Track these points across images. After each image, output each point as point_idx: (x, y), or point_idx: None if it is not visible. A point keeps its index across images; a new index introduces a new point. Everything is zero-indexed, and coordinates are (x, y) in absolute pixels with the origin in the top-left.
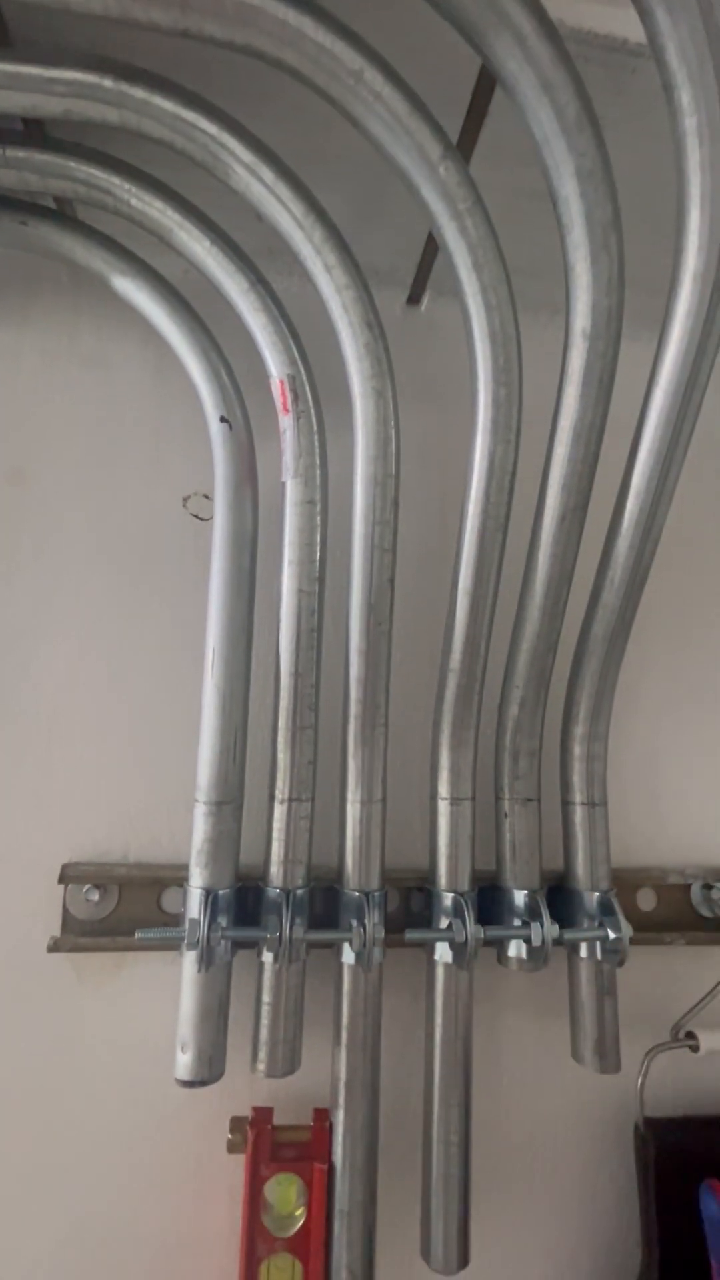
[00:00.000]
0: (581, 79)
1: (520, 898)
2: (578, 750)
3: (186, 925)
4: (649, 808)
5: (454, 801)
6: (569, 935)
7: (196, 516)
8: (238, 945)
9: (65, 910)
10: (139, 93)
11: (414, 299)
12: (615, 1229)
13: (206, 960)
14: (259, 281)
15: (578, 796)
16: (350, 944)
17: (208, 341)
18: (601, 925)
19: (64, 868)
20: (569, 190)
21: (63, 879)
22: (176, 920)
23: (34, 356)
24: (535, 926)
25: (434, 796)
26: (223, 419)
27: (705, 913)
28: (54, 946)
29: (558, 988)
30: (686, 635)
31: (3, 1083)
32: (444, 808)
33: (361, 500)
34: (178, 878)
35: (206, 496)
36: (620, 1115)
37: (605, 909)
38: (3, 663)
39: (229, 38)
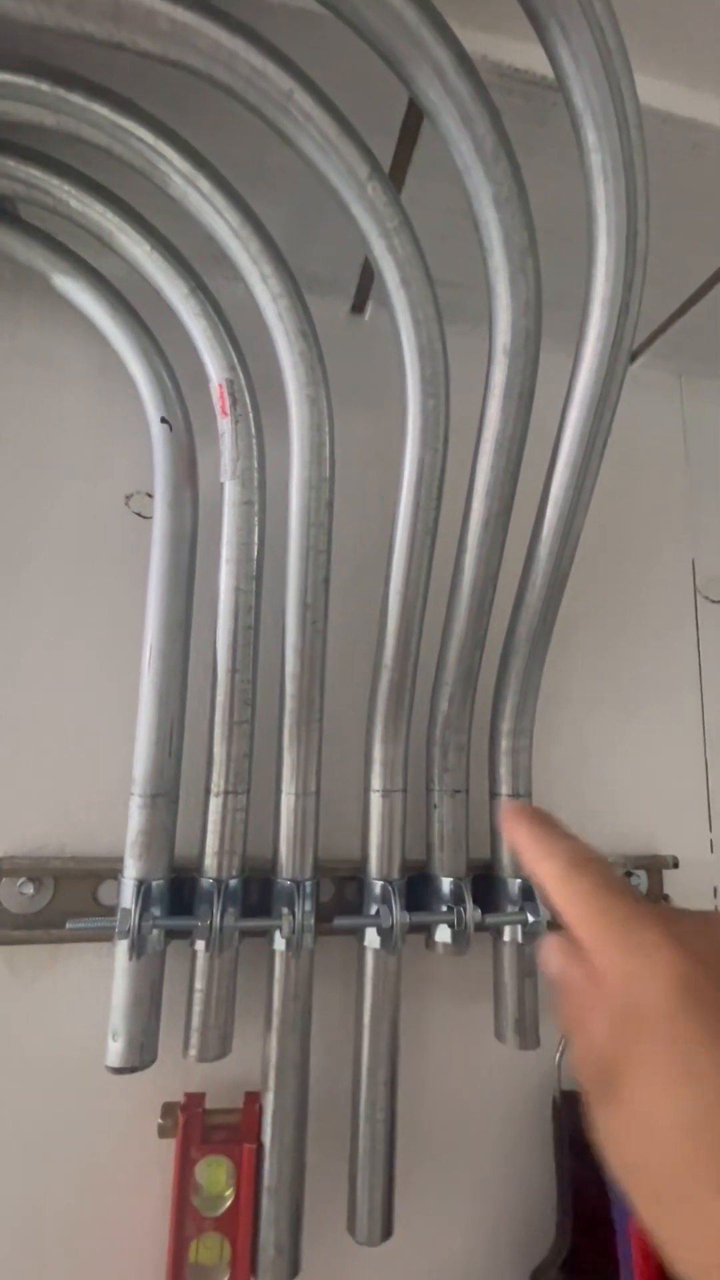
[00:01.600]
0: (499, 112)
1: (447, 885)
2: (504, 744)
3: (119, 915)
4: (576, 799)
5: (385, 794)
6: (491, 919)
7: (139, 515)
8: (171, 935)
9: None
10: (76, 98)
11: (357, 308)
12: (536, 1199)
13: (138, 949)
14: (199, 287)
15: (504, 788)
16: (280, 931)
17: (149, 343)
18: (523, 909)
19: None
20: (488, 216)
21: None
22: (113, 913)
23: None
24: (459, 911)
25: (367, 789)
26: (163, 420)
27: None
28: None
29: (482, 972)
30: (608, 638)
31: None
32: (376, 799)
33: (297, 502)
34: (115, 870)
35: (150, 495)
36: (540, 1091)
37: (526, 894)
38: None
39: (163, 53)
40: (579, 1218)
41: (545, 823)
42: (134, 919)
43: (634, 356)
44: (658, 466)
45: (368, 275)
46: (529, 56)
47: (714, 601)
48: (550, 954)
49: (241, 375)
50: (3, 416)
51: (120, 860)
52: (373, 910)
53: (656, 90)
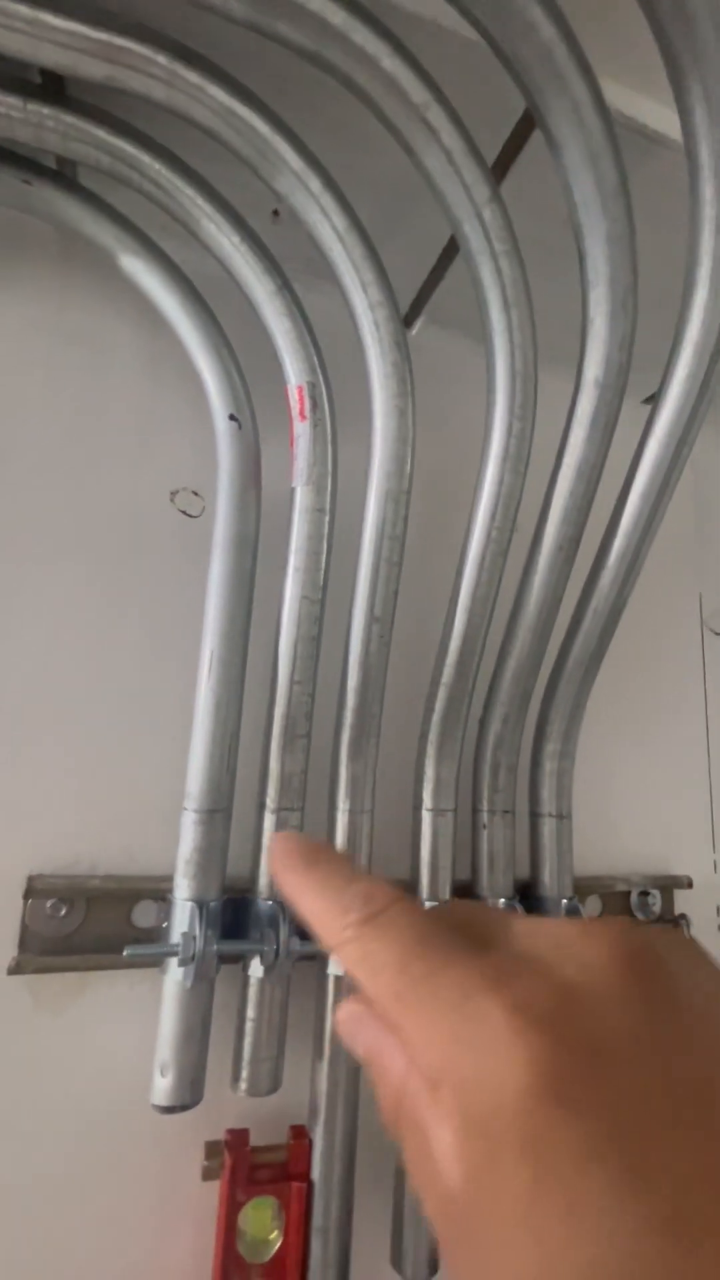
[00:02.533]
0: (621, 151)
1: (500, 905)
2: (549, 766)
3: (178, 938)
4: (601, 820)
5: (438, 812)
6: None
7: (185, 513)
8: (224, 959)
9: (25, 927)
10: (193, 76)
11: (407, 322)
12: None
13: (197, 976)
14: (285, 286)
15: (547, 809)
16: None
17: (219, 337)
18: None
19: (29, 880)
20: (598, 251)
21: (28, 893)
22: (150, 935)
23: (15, 325)
24: None
25: (418, 807)
26: (232, 417)
27: (640, 916)
28: (15, 967)
29: None
30: (622, 667)
31: None
32: (428, 818)
33: (374, 513)
34: (151, 890)
35: (196, 493)
36: None
37: (572, 914)
38: None
39: (301, 42)
40: None
41: (322, 860)
42: (197, 944)
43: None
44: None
45: (424, 293)
46: (635, 105)
47: (718, 634)
48: (354, 1032)
49: (322, 379)
50: (47, 395)
51: (159, 880)
52: None
53: None
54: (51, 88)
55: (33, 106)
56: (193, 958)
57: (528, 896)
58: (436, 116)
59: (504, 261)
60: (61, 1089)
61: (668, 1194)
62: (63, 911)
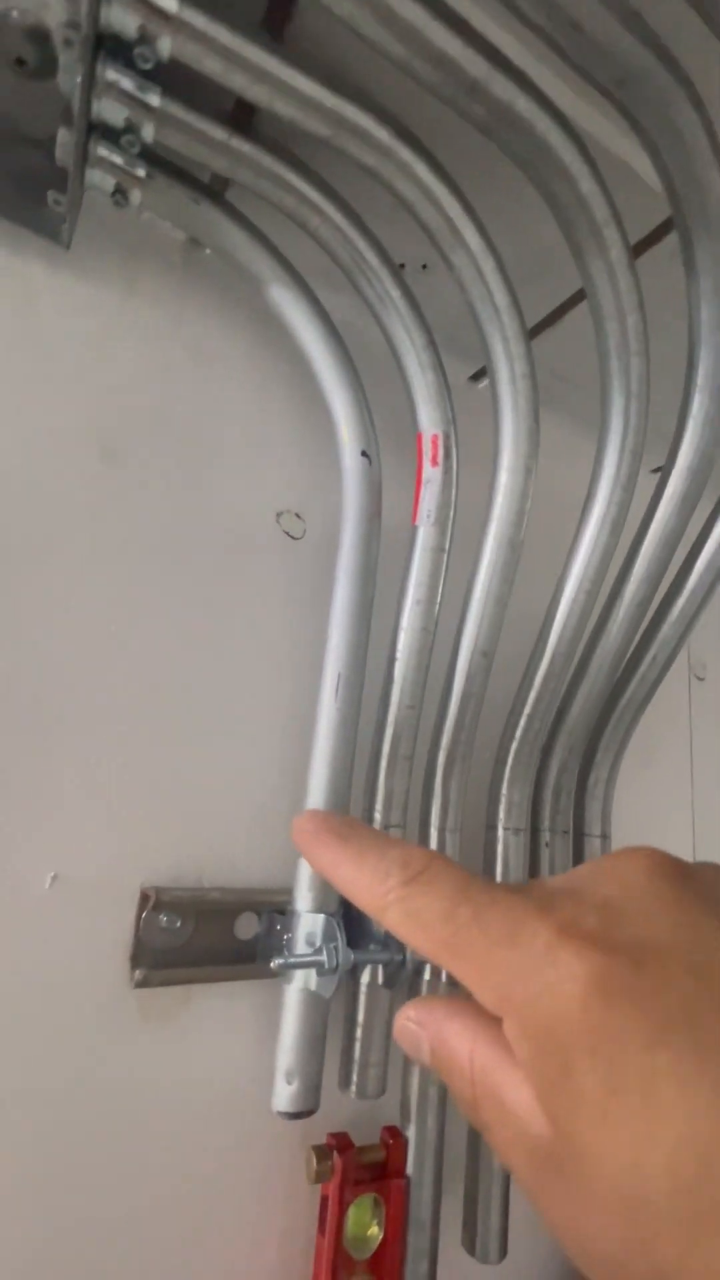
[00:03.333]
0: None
1: None
2: (599, 791)
3: (325, 950)
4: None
5: (512, 831)
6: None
7: (288, 534)
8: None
9: (138, 940)
10: (405, 154)
11: (476, 378)
12: None
13: (335, 985)
14: (431, 342)
15: (596, 829)
16: None
17: (355, 377)
18: None
19: (143, 893)
20: (710, 366)
21: (141, 907)
22: (250, 947)
23: (137, 330)
24: None
25: (492, 826)
26: (364, 453)
27: None
28: (143, 981)
29: None
30: None
31: (63, 1130)
32: (503, 837)
33: (490, 557)
34: (253, 902)
35: (298, 515)
36: None
37: None
38: (86, 662)
39: (519, 151)
40: None
41: (356, 832)
42: (340, 954)
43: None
44: None
45: None
46: None
47: (700, 679)
48: (414, 1037)
49: (454, 430)
50: (163, 404)
51: (259, 892)
52: None
53: None
54: (243, 118)
55: (236, 144)
56: (336, 967)
57: None
58: (612, 235)
59: (634, 360)
60: (170, 1100)
61: None
62: (177, 924)
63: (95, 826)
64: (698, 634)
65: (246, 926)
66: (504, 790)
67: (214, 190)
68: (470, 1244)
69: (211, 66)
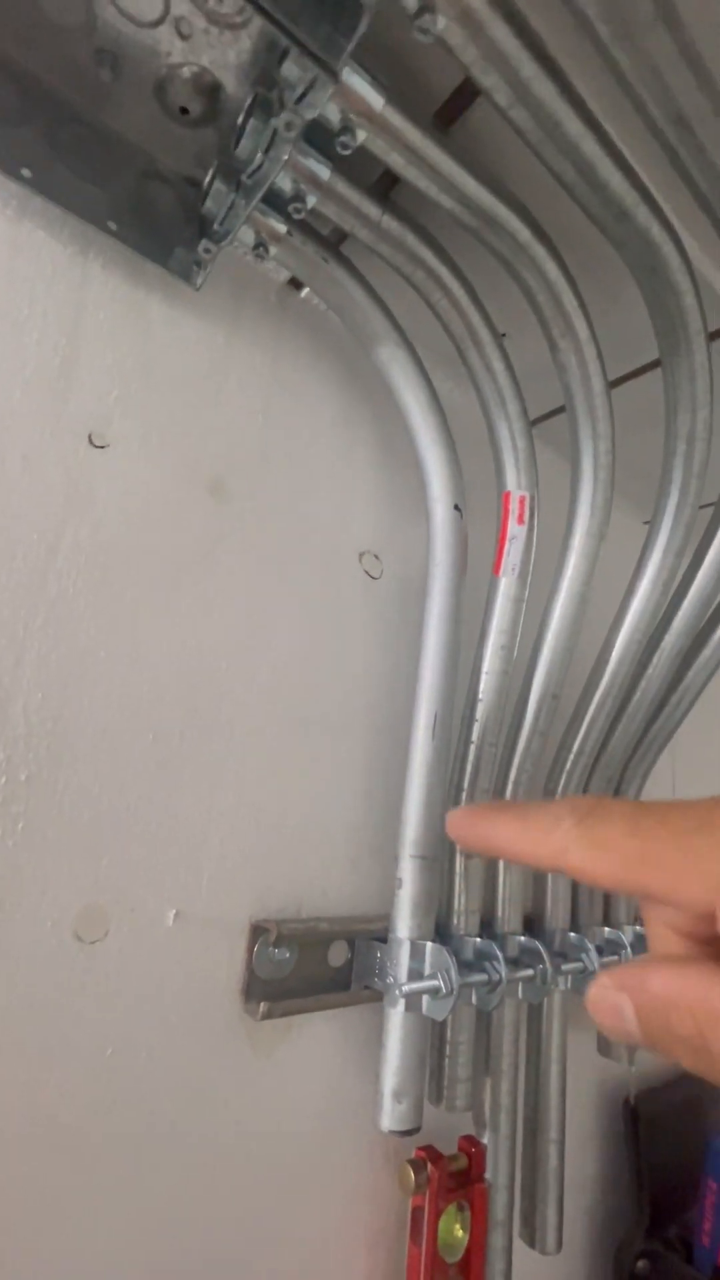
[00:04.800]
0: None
1: (606, 931)
2: None
3: (440, 976)
4: None
5: None
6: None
7: (368, 574)
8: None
9: (250, 972)
10: (540, 251)
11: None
12: (611, 1186)
13: (450, 1008)
14: (524, 412)
15: None
16: (538, 981)
17: (449, 438)
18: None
19: (254, 926)
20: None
21: (257, 939)
22: (342, 975)
23: (240, 368)
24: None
25: None
26: (456, 507)
27: None
28: (266, 1013)
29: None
30: None
31: (178, 1145)
32: None
33: (562, 609)
34: (344, 931)
35: (377, 557)
36: (614, 1092)
37: (642, 939)
38: (202, 698)
39: (632, 258)
40: (652, 1195)
41: (509, 804)
42: (454, 979)
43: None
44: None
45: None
46: None
47: None
48: (609, 1003)
49: (537, 493)
50: (266, 445)
51: (351, 921)
52: (575, 958)
53: None
54: (381, 188)
55: (387, 223)
56: (453, 990)
57: (606, 923)
58: (699, 342)
59: (698, 445)
60: (275, 1122)
61: None
62: (285, 955)
63: (211, 862)
64: None
65: (337, 954)
66: None
67: (334, 246)
68: (530, 1237)
69: (395, 160)
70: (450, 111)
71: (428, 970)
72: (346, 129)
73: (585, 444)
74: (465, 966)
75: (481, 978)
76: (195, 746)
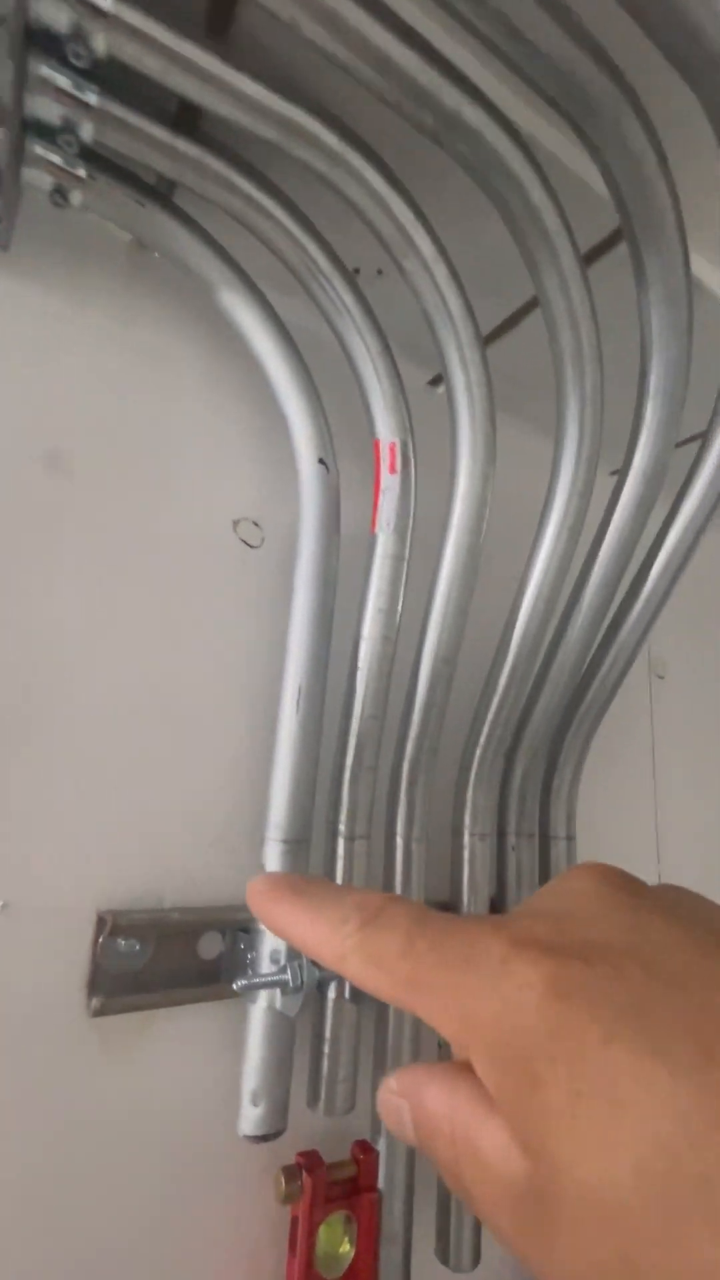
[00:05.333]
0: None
1: None
2: (563, 793)
3: (289, 969)
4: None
5: (478, 836)
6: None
7: (245, 543)
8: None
9: (96, 966)
10: (355, 160)
11: (435, 383)
12: None
13: (300, 1004)
14: (387, 349)
15: (561, 831)
16: None
17: (311, 385)
18: None
19: (99, 918)
20: (661, 373)
21: (101, 931)
22: (214, 967)
23: (85, 335)
24: None
25: (458, 832)
26: (321, 461)
27: None
28: (100, 1009)
29: None
30: None
31: (22, 1162)
32: (469, 842)
33: (449, 564)
34: (216, 921)
35: (256, 524)
36: None
37: None
38: (39, 679)
39: (471, 159)
40: None
41: (310, 886)
42: (305, 971)
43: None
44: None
45: None
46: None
47: (660, 678)
48: (395, 1109)
49: (411, 438)
50: (117, 412)
51: (222, 910)
52: None
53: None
54: (187, 120)
55: (184, 146)
56: (301, 985)
57: None
58: (562, 243)
59: (589, 367)
60: (133, 1127)
61: (689, 1046)
62: (136, 948)
63: (48, 851)
64: (657, 634)
65: (210, 946)
66: (469, 796)
67: (160, 192)
68: (444, 1253)
69: (151, 65)
70: (220, 17)
71: (282, 962)
72: (78, 35)
73: (455, 373)
74: None
75: None
76: (28, 730)
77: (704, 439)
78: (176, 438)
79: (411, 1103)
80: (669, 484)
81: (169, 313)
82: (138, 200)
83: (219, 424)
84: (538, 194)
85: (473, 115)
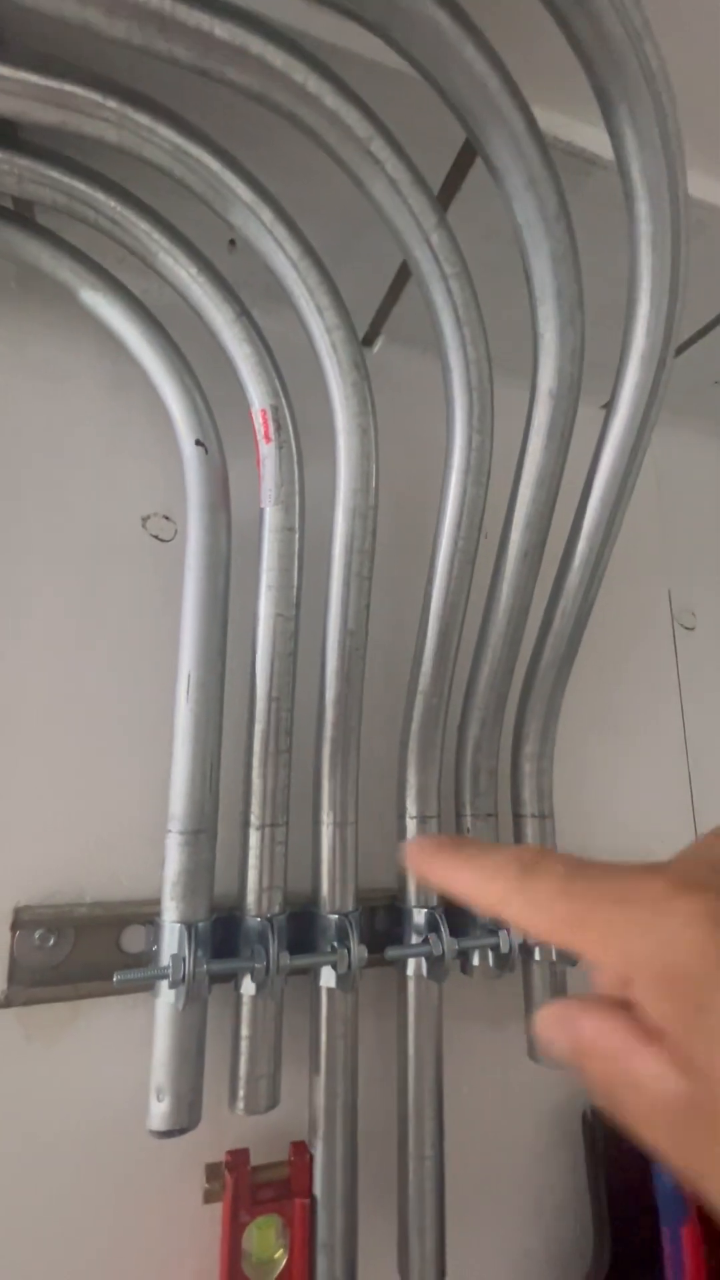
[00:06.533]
0: (560, 177)
1: None
2: (528, 768)
3: (168, 961)
4: (580, 818)
5: (422, 819)
6: (531, 940)
7: (157, 538)
8: (215, 979)
9: (13, 959)
10: (143, 118)
11: (367, 342)
12: (571, 1215)
13: (189, 997)
14: (243, 313)
15: (529, 810)
16: (335, 967)
17: (182, 365)
18: None
19: (16, 912)
20: (544, 269)
21: (15, 925)
22: (140, 960)
23: None
24: (502, 934)
25: (402, 815)
26: (198, 442)
27: None
28: (6, 1000)
29: (512, 993)
30: (598, 666)
31: None
32: (413, 826)
33: (342, 530)
34: (140, 915)
35: (167, 518)
36: (569, 1106)
37: None
38: None
39: (247, 85)
40: (615, 1226)
41: (467, 843)
42: (188, 965)
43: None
44: (633, 505)
45: (382, 312)
46: (572, 131)
47: (688, 629)
48: (550, 1033)
49: (285, 402)
50: (10, 433)
51: (146, 904)
52: (417, 939)
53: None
54: (5, 131)
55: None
56: (183, 979)
57: None
58: (380, 149)
59: (454, 283)
60: (58, 1119)
61: None
62: (51, 941)
63: None
64: (680, 581)
65: (134, 940)
66: (409, 776)
67: (11, 212)
68: (405, 1269)
69: None
70: None
71: (171, 954)
72: None
73: (311, 323)
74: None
75: (246, 964)
76: None
77: (621, 349)
78: (78, 447)
79: (568, 1031)
80: (597, 397)
81: (65, 325)
82: None
83: (122, 426)
84: (332, 100)
85: (226, 31)
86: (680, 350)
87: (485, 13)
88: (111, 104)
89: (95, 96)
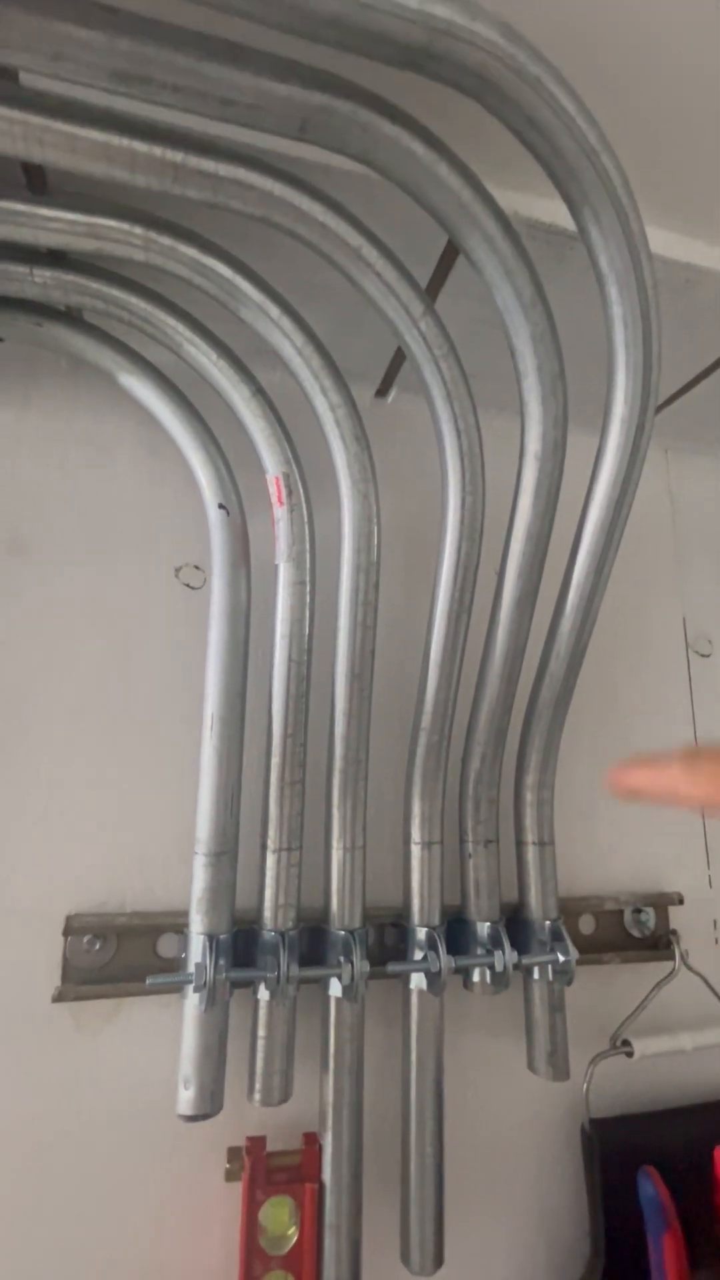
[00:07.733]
0: (535, 268)
1: (484, 929)
2: (529, 797)
3: (193, 969)
4: (589, 846)
5: (426, 845)
6: (526, 960)
7: (188, 586)
8: (235, 985)
9: (66, 960)
10: (165, 240)
11: (381, 393)
12: (567, 1221)
13: (210, 1000)
14: (259, 391)
15: (530, 837)
16: (339, 979)
17: (206, 435)
18: (552, 950)
19: (68, 919)
20: (525, 348)
21: (66, 931)
22: (173, 964)
23: (34, 436)
24: (498, 954)
25: (407, 841)
26: (221, 506)
27: (635, 934)
28: (59, 996)
29: (512, 1008)
30: (612, 692)
31: (6, 1130)
32: (417, 851)
33: (348, 584)
34: (173, 924)
35: (197, 567)
36: (569, 1118)
37: (555, 935)
38: (3, 726)
39: (251, 212)
40: (609, 1236)
41: (644, 759)
42: (209, 973)
43: None
44: (649, 534)
45: (393, 368)
46: (554, 213)
47: (703, 655)
48: (614, 776)
49: (295, 468)
50: (63, 493)
51: (178, 914)
52: (419, 955)
53: (658, 238)
54: (58, 255)
55: (39, 274)
56: (205, 985)
57: (515, 919)
58: (369, 253)
59: (443, 363)
60: (102, 1100)
61: None
62: (97, 946)
63: (23, 862)
64: (696, 608)
65: (169, 946)
66: (414, 805)
67: (54, 310)
68: (406, 1255)
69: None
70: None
71: (195, 963)
72: None
73: (319, 407)
74: (265, 961)
75: (260, 973)
76: (4, 760)
77: (604, 412)
78: (118, 507)
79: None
80: (595, 422)
81: (110, 402)
82: (35, 322)
83: (156, 486)
84: (326, 218)
85: (230, 172)
86: (685, 390)
87: (465, 117)
88: (138, 231)
89: (124, 226)
